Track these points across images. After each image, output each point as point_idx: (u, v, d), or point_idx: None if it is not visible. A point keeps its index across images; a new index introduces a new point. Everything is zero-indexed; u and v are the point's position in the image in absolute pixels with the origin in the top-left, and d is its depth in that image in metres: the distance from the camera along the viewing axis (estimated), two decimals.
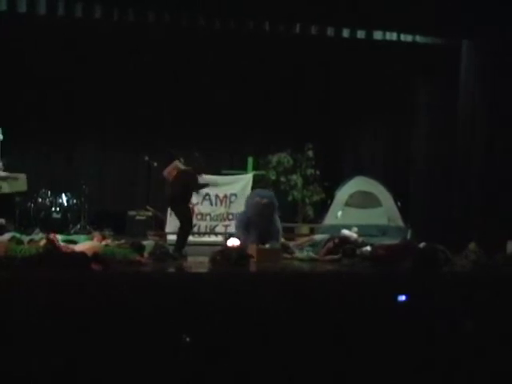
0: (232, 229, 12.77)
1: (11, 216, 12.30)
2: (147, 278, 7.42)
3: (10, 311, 6.14)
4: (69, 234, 11.02)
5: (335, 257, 9.24)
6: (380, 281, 7.95)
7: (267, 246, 9.25)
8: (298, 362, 6.72)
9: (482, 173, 11.73)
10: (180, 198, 9.84)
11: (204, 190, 12.99)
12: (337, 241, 9.63)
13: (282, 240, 10.28)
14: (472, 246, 9.47)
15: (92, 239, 9.07)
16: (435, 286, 7.82)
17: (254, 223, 9.69)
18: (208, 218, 13.03)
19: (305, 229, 13.91)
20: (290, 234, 12.64)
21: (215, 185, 12.94)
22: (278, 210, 10.06)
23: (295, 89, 14.95)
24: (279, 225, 10.06)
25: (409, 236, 12.17)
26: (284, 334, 6.82)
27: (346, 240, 9.83)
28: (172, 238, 12.09)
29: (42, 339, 6.06)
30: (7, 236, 8.76)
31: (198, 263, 8.96)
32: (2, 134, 12.24)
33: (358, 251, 9.29)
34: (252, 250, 8.73)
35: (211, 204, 13.10)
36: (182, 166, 10.56)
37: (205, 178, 13.06)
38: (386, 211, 13.54)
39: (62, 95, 13.79)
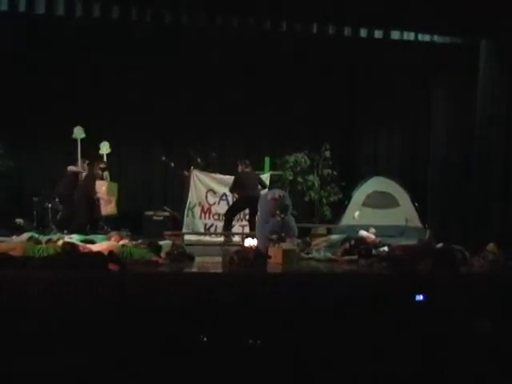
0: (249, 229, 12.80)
1: (30, 216, 12.40)
2: (164, 278, 7.42)
3: (27, 311, 6.17)
4: (86, 234, 11.07)
5: (353, 257, 9.21)
6: (397, 281, 7.92)
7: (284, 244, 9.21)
8: (314, 362, 6.71)
9: (501, 173, 11.65)
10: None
11: (221, 190, 13.05)
12: (353, 242, 9.60)
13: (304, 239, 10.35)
14: (490, 246, 9.40)
15: (109, 239, 9.11)
16: (453, 286, 7.78)
17: (268, 222, 9.61)
18: None
19: (322, 229, 13.86)
20: (307, 234, 12.60)
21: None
22: (291, 210, 9.98)
23: (312, 89, 14.91)
24: (294, 224, 9.97)
25: (427, 236, 12.11)
26: (301, 335, 6.81)
27: (362, 241, 9.80)
28: (188, 238, 12.18)
29: (59, 339, 6.09)
30: (25, 236, 8.83)
31: (214, 263, 8.96)
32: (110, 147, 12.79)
33: (375, 252, 9.26)
34: (271, 250, 8.71)
35: (228, 204, 13.10)
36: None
37: (222, 177, 13.16)
38: (404, 211, 13.50)
39: (79, 96, 13.85)
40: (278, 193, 9.89)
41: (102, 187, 11.77)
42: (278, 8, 10.72)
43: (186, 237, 12.28)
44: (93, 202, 11.85)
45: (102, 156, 12.66)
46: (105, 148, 12.72)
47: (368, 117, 15.50)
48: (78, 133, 12.59)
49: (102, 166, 12.16)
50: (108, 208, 11.86)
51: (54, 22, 11.43)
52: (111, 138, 14.51)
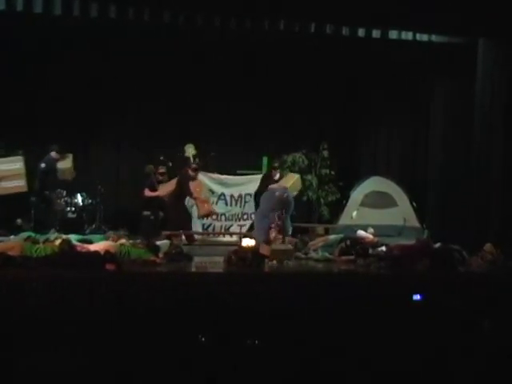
0: (247, 229, 12.80)
1: (27, 216, 12.38)
2: (162, 277, 7.42)
3: (24, 310, 6.17)
4: (84, 233, 11.06)
5: (351, 257, 9.21)
6: (395, 281, 7.92)
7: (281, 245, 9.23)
8: (312, 361, 6.71)
9: (500, 172, 11.66)
10: None
11: (219, 190, 13.05)
12: (348, 242, 9.61)
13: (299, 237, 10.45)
14: (487, 246, 9.41)
15: (107, 239, 9.11)
16: (451, 286, 7.79)
17: (268, 217, 9.66)
18: (223, 217, 13.03)
19: (320, 229, 13.86)
20: (305, 234, 12.58)
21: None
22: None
23: (310, 88, 14.90)
24: (288, 223, 10.05)
25: (425, 236, 12.10)
26: (298, 335, 6.81)
27: (358, 240, 9.81)
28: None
29: (56, 339, 6.09)
30: (23, 236, 8.82)
31: (213, 263, 8.96)
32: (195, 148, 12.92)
33: (372, 251, 9.27)
34: (265, 249, 8.71)
35: (226, 204, 13.11)
36: None
37: (220, 177, 13.16)
38: (402, 211, 13.48)
39: (77, 96, 13.83)
40: (286, 192, 9.93)
41: (196, 188, 11.87)
42: (276, 8, 10.72)
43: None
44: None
45: (188, 158, 12.74)
46: (190, 150, 12.82)
47: (366, 116, 15.48)
48: (190, 151, 12.81)
49: (194, 166, 12.24)
50: (205, 207, 11.95)
51: (50, 22, 11.42)
52: (109, 137, 14.52)
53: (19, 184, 12.23)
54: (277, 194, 9.80)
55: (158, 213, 12.39)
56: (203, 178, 13.12)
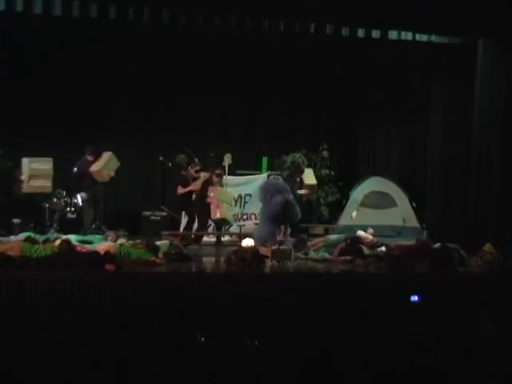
0: (247, 229, 12.80)
1: (28, 216, 12.38)
2: (161, 277, 7.42)
3: (24, 311, 6.17)
4: (84, 234, 11.06)
5: (349, 257, 9.21)
6: (395, 281, 7.92)
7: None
8: (312, 362, 6.71)
9: (499, 173, 11.66)
10: None
11: None
12: (348, 242, 9.62)
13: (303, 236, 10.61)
14: (487, 246, 9.42)
15: (106, 239, 9.11)
16: (450, 286, 7.79)
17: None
18: None
19: (319, 229, 13.86)
20: (305, 234, 12.58)
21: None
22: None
23: (310, 88, 14.90)
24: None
25: (424, 236, 12.10)
26: (297, 335, 6.81)
27: (357, 240, 9.82)
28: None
29: (56, 339, 6.08)
30: (22, 236, 8.83)
31: (213, 263, 8.97)
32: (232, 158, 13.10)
33: (369, 251, 9.28)
34: (265, 250, 8.73)
35: None
36: None
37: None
38: (401, 212, 13.47)
39: (76, 96, 13.83)
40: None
41: (211, 192, 12.11)
42: (275, 8, 10.72)
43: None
44: (207, 206, 12.22)
45: (224, 167, 12.89)
46: (227, 159, 13.02)
47: (366, 117, 15.46)
48: (228, 160, 13.02)
49: (218, 172, 12.44)
50: (217, 212, 12.06)
51: (49, 22, 11.43)
52: (108, 137, 14.49)
53: (45, 184, 12.45)
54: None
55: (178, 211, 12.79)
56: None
